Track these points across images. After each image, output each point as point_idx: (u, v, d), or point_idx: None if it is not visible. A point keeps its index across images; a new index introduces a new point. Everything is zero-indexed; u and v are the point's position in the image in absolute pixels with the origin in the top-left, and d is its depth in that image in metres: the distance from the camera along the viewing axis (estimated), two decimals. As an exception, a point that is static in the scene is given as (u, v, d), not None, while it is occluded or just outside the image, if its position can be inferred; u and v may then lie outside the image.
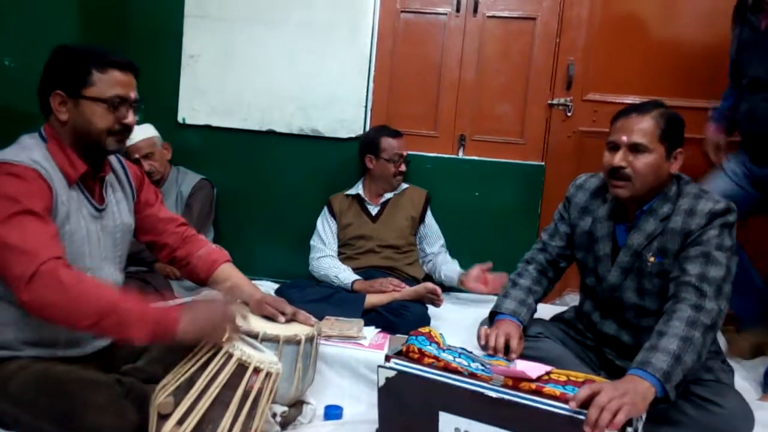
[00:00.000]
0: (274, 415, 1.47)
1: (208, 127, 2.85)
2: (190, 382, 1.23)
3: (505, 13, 2.73)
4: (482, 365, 1.41)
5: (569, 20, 2.68)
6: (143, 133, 2.45)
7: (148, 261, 2.37)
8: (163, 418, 1.20)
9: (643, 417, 1.25)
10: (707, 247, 1.47)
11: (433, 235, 2.59)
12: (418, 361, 1.44)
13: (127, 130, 1.42)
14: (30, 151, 1.33)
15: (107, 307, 1.21)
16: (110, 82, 1.37)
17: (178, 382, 1.24)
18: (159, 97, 2.79)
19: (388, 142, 2.54)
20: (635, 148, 1.52)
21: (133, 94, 1.42)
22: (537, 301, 1.74)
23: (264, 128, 2.82)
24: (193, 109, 2.86)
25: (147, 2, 2.85)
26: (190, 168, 2.67)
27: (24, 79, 2.19)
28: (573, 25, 2.68)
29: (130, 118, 1.41)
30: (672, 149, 1.55)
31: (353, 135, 2.75)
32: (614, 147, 1.55)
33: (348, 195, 2.62)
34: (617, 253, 1.63)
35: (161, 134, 2.55)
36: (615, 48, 2.66)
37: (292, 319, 1.60)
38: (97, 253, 1.44)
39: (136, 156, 2.39)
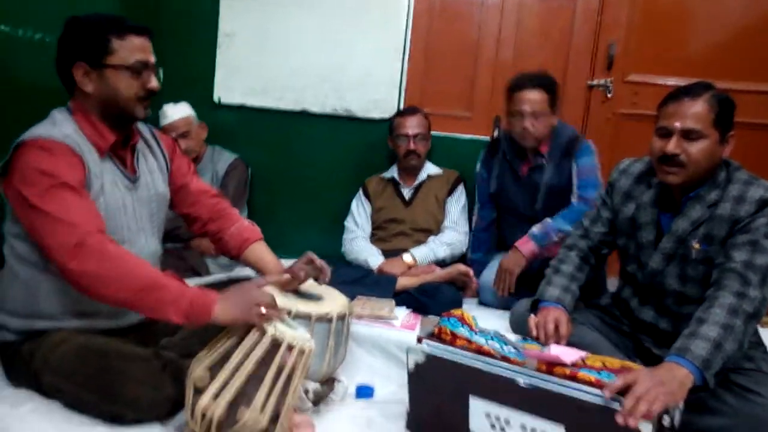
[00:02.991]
0: (306, 392, 1.49)
1: (243, 106, 2.87)
2: (226, 358, 1.25)
3: (545, -10, 2.66)
4: (515, 349, 1.40)
5: (611, -1, 2.60)
6: (180, 111, 2.48)
7: (184, 238, 2.41)
8: (199, 391, 1.23)
9: (681, 406, 1.22)
10: (755, 235, 1.42)
11: (447, 215, 2.51)
12: (450, 343, 1.44)
13: (152, 94, 1.43)
14: (60, 125, 1.35)
15: (148, 284, 1.23)
16: (130, 48, 1.37)
17: (213, 357, 1.26)
18: (195, 76, 2.82)
19: (397, 121, 2.52)
20: (689, 135, 1.46)
21: (152, 58, 1.42)
22: (579, 288, 1.71)
23: (298, 108, 2.82)
24: (228, 89, 2.87)
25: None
26: (225, 147, 2.70)
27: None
28: (615, 3, 2.60)
29: (154, 82, 1.42)
30: (725, 133, 1.49)
31: (386, 116, 2.73)
32: (666, 133, 1.50)
33: (383, 178, 2.61)
34: (660, 240, 1.58)
35: (197, 113, 2.58)
36: (658, 27, 2.58)
37: (322, 296, 1.61)
38: (133, 223, 1.46)
39: (173, 135, 2.42)
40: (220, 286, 1.68)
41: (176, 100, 2.54)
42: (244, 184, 2.68)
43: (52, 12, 2.21)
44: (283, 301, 1.49)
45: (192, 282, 1.74)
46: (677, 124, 1.47)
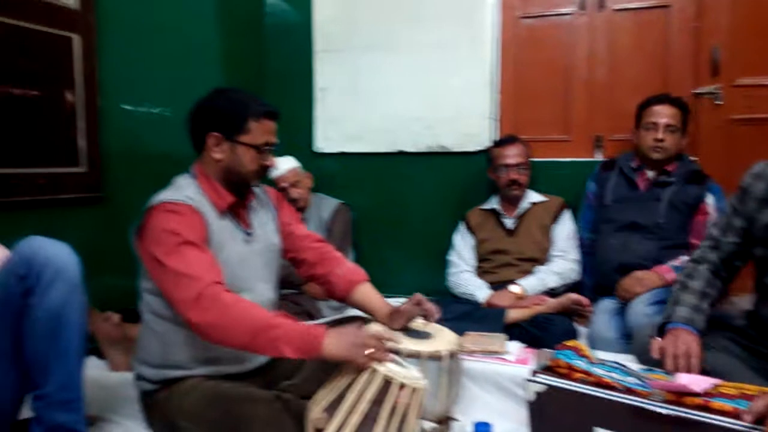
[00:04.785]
0: (422, 431, 1.48)
1: (341, 153, 3.00)
2: (341, 398, 1.29)
3: (635, 5, 2.58)
4: (639, 380, 1.33)
5: (709, 2, 2.47)
6: (287, 164, 2.63)
7: (297, 283, 2.52)
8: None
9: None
10: None
11: (554, 243, 2.45)
12: (566, 377, 1.39)
13: (266, 170, 1.58)
14: (184, 189, 1.49)
15: (261, 325, 1.31)
16: (262, 131, 1.51)
17: (329, 398, 1.30)
18: (296, 129, 2.99)
19: (495, 152, 2.51)
20: None
21: (275, 139, 1.56)
22: (711, 306, 1.58)
23: (394, 149, 2.90)
24: (327, 138, 3.02)
25: (280, 44, 3.09)
26: (328, 194, 2.81)
27: (182, 126, 2.47)
28: (714, 6, 2.46)
29: (271, 160, 1.57)
30: None
31: (481, 147, 2.73)
32: None
33: (483, 209, 2.60)
34: None
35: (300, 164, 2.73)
36: (765, 26, 2.40)
37: (432, 334, 1.61)
38: (250, 274, 1.56)
39: (283, 185, 2.57)
40: (332, 326, 1.74)
41: (280, 152, 2.71)
42: (348, 228, 2.76)
43: (166, 91, 2.47)
44: (392, 340, 1.51)
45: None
46: None
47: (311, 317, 2.41)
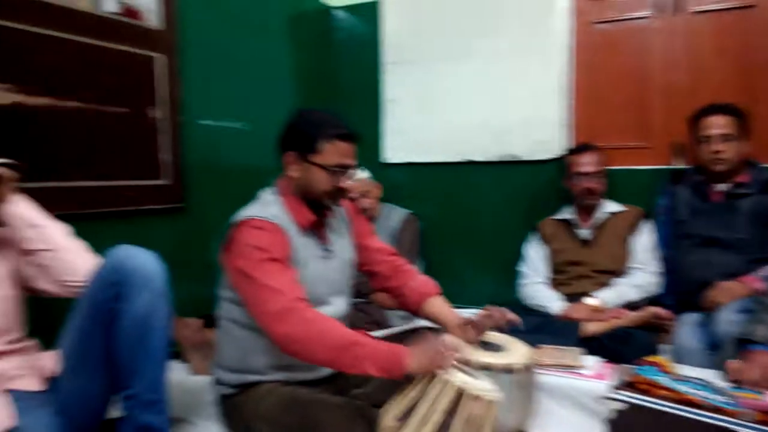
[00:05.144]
0: (496, 445, 1.45)
1: (409, 163, 3.01)
2: (413, 408, 1.28)
3: (715, 6, 2.46)
4: (727, 397, 1.25)
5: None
6: (357, 174, 2.67)
7: (366, 293, 2.54)
8: (392, 441, 1.27)
9: None
10: None
11: (633, 255, 2.35)
12: (648, 393, 1.33)
13: (342, 192, 1.58)
14: (269, 206, 1.54)
15: (344, 344, 1.33)
16: (335, 153, 1.53)
17: (402, 407, 1.30)
18: (365, 139, 3.01)
19: (570, 160, 2.44)
20: None
21: (351, 161, 1.57)
22: None
23: (463, 159, 2.88)
24: (395, 149, 3.05)
25: (349, 57, 3.15)
26: (396, 204, 2.83)
27: (257, 140, 2.57)
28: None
29: (345, 182, 1.57)
30: None
31: (552, 156, 2.68)
32: None
33: (557, 219, 2.53)
34: None
35: (370, 174, 2.76)
36: None
37: (505, 347, 1.59)
38: (328, 289, 1.60)
39: (353, 195, 2.61)
40: (400, 336, 1.75)
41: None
42: (416, 238, 2.77)
43: (243, 106, 2.58)
44: (465, 352, 1.50)
45: (375, 334, 1.83)
46: None
47: (379, 326, 2.42)
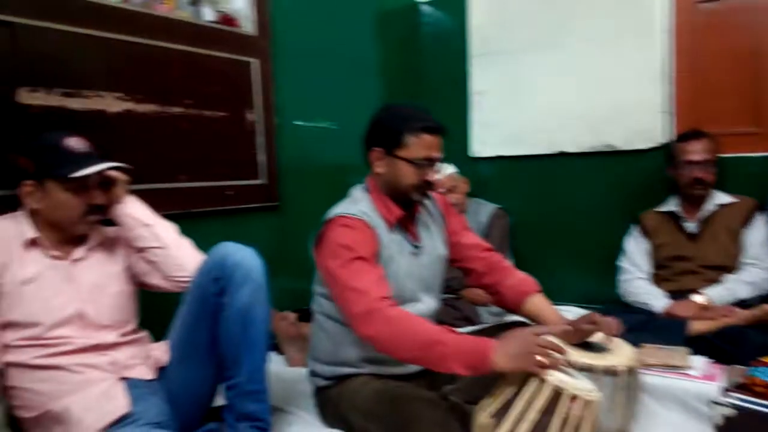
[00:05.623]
0: (596, 447, 1.40)
1: (498, 157, 2.96)
2: (508, 405, 1.26)
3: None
4: None
5: None
6: (444, 169, 2.66)
7: (456, 288, 2.53)
8: (487, 438, 1.25)
9: None
10: None
11: (746, 249, 2.17)
12: (764, 396, 1.23)
13: (429, 185, 1.56)
14: (358, 203, 1.55)
15: (428, 342, 1.31)
16: (421, 146, 1.51)
17: (496, 405, 1.28)
18: (452, 134, 2.99)
19: (678, 147, 2.28)
20: None
21: (437, 154, 1.55)
22: None
23: (554, 151, 2.79)
24: (483, 142, 3.00)
25: (436, 51, 3.14)
26: (485, 199, 2.79)
27: (346, 138, 2.62)
28: None
29: (431, 176, 1.55)
30: None
31: (653, 145, 2.53)
32: None
33: (660, 212, 2.38)
34: None
35: (457, 169, 2.73)
36: None
37: (607, 347, 1.52)
38: (416, 286, 1.59)
39: (440, 191, 2.60)
40: (492, 332, 1.71)
41: (438, 159, 2.75)
42: (506, 234, 2.71)
43: (332, 106, 2.64)
44: (567, 352, 1.44)
45: (465, 330, 1.81)
46: None
47: (471, 322, 2.40)
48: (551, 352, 1.26)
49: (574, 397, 1.21)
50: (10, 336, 1.31)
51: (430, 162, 1.54)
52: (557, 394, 1.22)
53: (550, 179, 2.85)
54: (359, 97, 2.75)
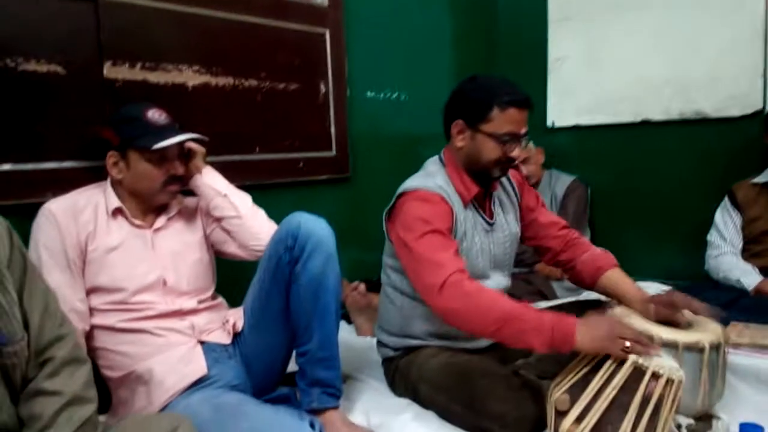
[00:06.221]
0: (678, 426, 1.33)
1: (576, 127, 2.84)
2: (585, 382, 1.22)
3: None
4: None
5: None
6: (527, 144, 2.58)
7: (529, 263, 2.47)
8: (561, 414, 1.21)
9: None
10: None
11: None
12: None
13: (510, 162, 1.49)
14: (434, 177, 1.51)
15: (506, 317, 1.27)
16: (506, 120, 1.44)
17: (572, 381, 1.24)
18: (528, 104, 2.91)
19: None
20: None
21: (523, 130, 1.48)
22: None
23: (638, 119, 2.66)
24: (560, 111, 2.88)
25: (512, 17, 3.02)
26: (562, 170, 2.69)
27: (417, 109, 2.59)
28: None
29: (516, 152, 1.47)
30: None
31: (749, 111, 2.35)
32: None
33: (756, 183, 2.20)
34: None
35: (532, 139, 2.64)
36: None
37: (692, 323, 1.43)
38: (489, 262, 1.56)
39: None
40: (570, 308, 1.66)
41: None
42: (584, 206, 2.61)
43: (403, 76, 2.61)
44: (647, 326, 1.37)
45: (540, 305, 1.76)
46: None
47: (544, 297, 2.34)
48: (638, 337, 1.21)
49: (654, 375, 1.16)
50: (97, 300, 1.38)
51: (515, 138, 1.46)
52: (638, 371, 1.17)
53: (632, 149, 2.71)
54: (431, 67, 2.70)
